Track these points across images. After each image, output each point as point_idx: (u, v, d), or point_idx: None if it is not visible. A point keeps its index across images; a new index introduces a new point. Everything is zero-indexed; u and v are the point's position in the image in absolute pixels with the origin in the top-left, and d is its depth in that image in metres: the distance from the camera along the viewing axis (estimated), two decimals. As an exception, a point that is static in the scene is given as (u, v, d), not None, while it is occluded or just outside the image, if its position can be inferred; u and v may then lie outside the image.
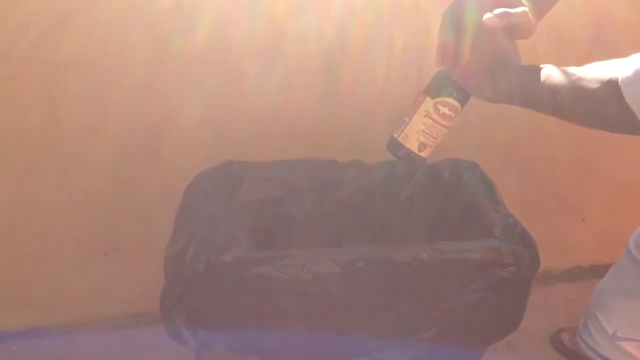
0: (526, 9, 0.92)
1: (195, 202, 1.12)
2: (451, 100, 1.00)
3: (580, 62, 0.89)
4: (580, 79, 0.84)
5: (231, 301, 0.99)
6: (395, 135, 1.04)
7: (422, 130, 1.01)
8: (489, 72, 0.96)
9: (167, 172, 1.42)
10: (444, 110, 1.01)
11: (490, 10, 0.91)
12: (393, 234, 1.24)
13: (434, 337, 1.08)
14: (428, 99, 1.01)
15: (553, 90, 0.88)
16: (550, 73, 0.90)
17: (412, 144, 1.02)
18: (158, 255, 1.07)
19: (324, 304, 1.00)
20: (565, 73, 0.87)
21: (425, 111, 1.01)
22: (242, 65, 1.33)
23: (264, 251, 0.99)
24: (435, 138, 1.02)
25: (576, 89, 0.84)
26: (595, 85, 0.81)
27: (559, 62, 0.91)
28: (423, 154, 1.03)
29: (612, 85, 0.78)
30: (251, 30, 1.29)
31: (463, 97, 1.01)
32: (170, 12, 1.24)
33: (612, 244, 1.72)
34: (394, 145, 1.04)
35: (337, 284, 0.99)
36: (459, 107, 1.02)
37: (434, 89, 1.01)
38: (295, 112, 1.40)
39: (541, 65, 0.92)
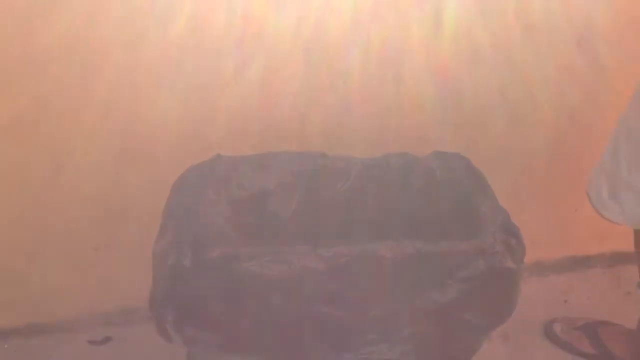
0: None
1: (183, 197, 1.12)
2: None
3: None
4: None
5: (218, 297, 0.99)
6: None
7: None
8: None
9: (157, 167, 1.41)
10: None
11: None
12: (381, 228, 1.23)
13: (424, 330, 1.08)
14: None
15: None
16: None
17: None
18: (149, 251, 1.07)
19: (312, 300, 1.00)
20: None
21: None
22: (220, 59, 1.33)
23: (251, 247, 0.98)
24: None
25: None
26: None
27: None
28: None
29: None
30: (229, 24, 1.28)
31: None
32: (147, 4, 1.23)
33: (605, 234, 1.72)
34: None
35: (324, 279, 0.98)
36: None
37: None
38: (274, 107, 1.40)
39: None
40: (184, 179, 1.17)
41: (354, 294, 1.02)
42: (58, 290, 1.53)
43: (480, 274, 1.04)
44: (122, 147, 1.40)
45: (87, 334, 1.55)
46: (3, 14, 1.21)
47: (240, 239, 1.09)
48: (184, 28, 1.27)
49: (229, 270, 0.97)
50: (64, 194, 1.43)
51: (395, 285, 1.03)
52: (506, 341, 1.55)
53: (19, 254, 1.48)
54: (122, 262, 1.52)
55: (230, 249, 0.98)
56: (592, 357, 1.50)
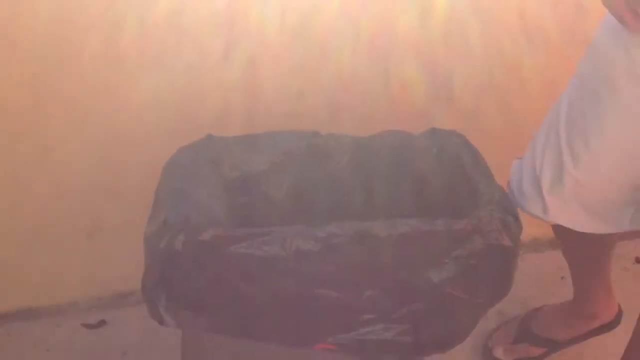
0: None
1: (174, 179, 1.10)
2: None
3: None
4: None
5: (211, 280, 0.98)
6: None
7: None
8: None
9: (147, 149, 1.40)
10: None
11: None
12: (376, 206, 1.23)
13: (420, 309, 1.07)
14: None
15: None
16: None
17: None
18: (142, 234, 1.06)
19: (306, 281, 0.99)
20: None
21: None
22: (208, 39, 1.31)
23: (244, 229, 0.97)
24: None
25: None
26: None
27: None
28: None
29: None
30: (216, 2, 1.26)
31: None
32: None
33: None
34: None
35: (319, 260, 0.97)
36: None
37: None
38: (265, 86, 1.39)
39: None
40: (175, 160, 1.15)
41: (349, 274, 1.01)
42: (52, 274, 1.53)
43: (477, 252, 1.04)
44: (110, 130, 1.39)
45: (82, 318, 1.55)
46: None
47: (233, 219, 1.07)
48: (171, 7, 1.26)
49: (221, 252, 0.96)
50: (53, 178, 1.43)
51: (390, 265, 1.02)
52: (503, 318, 1.55)
53: (12, 240, 1.47)
54: (115, 245, 1.51)
55: (223, 230, 0.97)
56: (547, 353, 1.46)
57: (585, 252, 1.33)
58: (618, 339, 1.26)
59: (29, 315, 1.55)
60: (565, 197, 1.13)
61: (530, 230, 1.21)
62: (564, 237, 1.33)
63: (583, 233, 1.19)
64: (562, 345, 1.45)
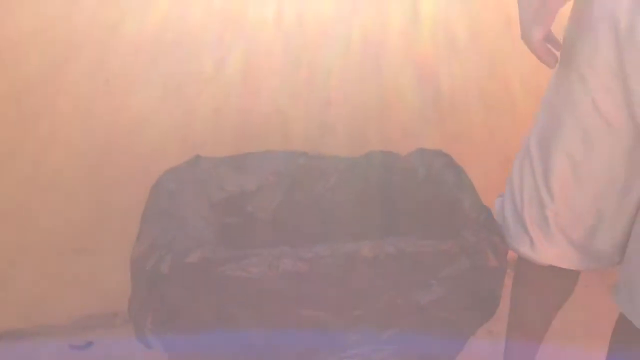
0: None
1: (161, 201, 1.10)
2: None
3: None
4: None
5: (198, 302, 0.98)
6: None
7: None
8: None
9: (136, 168, 1.40)
10: None
11: None
12: (363, 227, 1.23)
13: (408, 330, 1.07)
14: None
15: None
16: None
17: None
18: (129, 254, 1.05)
19: (294, 302, 0.99)
20: None
21: None
22: (198, 56, 1.32)
23: (230, 251, 0.97)
24: None
25: None
26: None
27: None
28: None
29: None
30: (207, 19, 1.27)
31: None
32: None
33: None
34: None
35: (306, 281, 0.97)
36: None
37: None
38: (254, 105, 1.39)
39: None
40: (162, 182, 1.15)
41: (336, 295, 1.01)
42: (38, 294, 1.51)
43: (463, 273, 1.04)
44: (99, 149, 1.38)
45: (69, 339, 1.54)
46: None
47: (220, 241, 1.07)
48: (160, 24, 1.26)
49: (208, 274, 0.96)
50: (42, 196, 1.42)
51: (377, 286, 1.02)
52: (490, 337, 1.55)
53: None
54: (103, 264, 1.50)
55: (210, 252, 0.97)
56: None
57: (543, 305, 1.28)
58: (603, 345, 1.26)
59: (15, 336, 1.53)
60: (551, 232, 1.09)
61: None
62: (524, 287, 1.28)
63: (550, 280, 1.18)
64: None
